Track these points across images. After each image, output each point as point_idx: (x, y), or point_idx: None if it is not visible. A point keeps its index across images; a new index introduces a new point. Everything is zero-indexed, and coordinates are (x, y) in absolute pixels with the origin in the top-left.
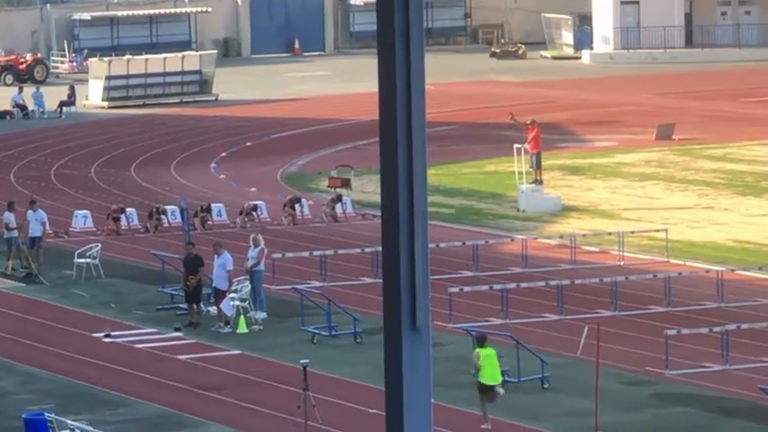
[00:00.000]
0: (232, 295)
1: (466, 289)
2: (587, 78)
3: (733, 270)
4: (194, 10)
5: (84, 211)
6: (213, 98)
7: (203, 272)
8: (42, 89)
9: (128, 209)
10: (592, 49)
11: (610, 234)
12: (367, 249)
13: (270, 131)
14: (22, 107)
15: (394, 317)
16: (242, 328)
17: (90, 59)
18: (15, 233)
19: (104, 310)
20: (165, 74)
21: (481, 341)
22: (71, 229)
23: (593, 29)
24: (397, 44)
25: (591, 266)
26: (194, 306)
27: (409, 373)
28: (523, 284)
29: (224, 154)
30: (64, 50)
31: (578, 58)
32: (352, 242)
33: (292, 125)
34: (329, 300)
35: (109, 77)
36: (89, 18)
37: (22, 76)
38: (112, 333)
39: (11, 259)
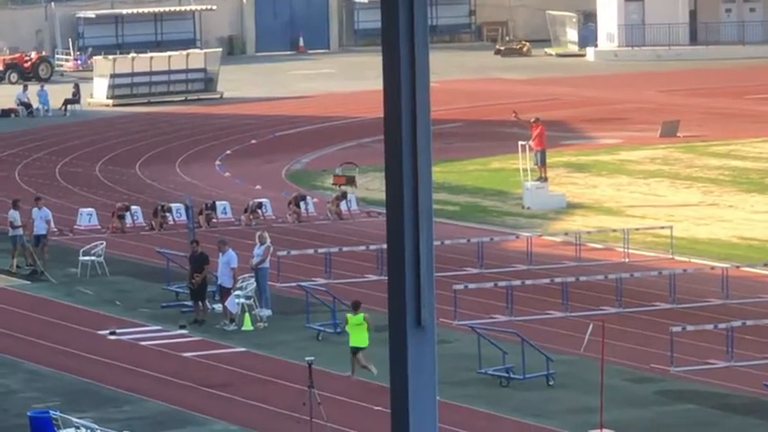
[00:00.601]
0: (237, 293)
1: (471, 286)
2: (592, 76)
3: (738, 267)
4: (199, 8)
5: (89, 209)
6: (218, 96)
7: (208, 269)
8: (47, 87)
9: (133, 206)
10: (596, 46)
11: (615, 231)
12: (372, 247)
13: (275, 129)
14: (27, 105)
15: (399, 314)
16: (247, 325)
17: (94, 57)
18: (20, 231)
19: (109, 308)
20: (169, 72)
21: (355, 307)
22: (76, 226)
23: (598, 26)
24: (401, 42)
25: (596, 263)
26: (199, 303)
27: (414, 370)
28: (528, 281)
29: (229, 152)
30: (68, 48)
31: (583, 55)
32: (356, 239)
33: (297, 123)
34: (334, 297)
35: (113, 75)
36: (93, 16)
37: (27, 75)
38: (117, 330)
39: (15, 257)
